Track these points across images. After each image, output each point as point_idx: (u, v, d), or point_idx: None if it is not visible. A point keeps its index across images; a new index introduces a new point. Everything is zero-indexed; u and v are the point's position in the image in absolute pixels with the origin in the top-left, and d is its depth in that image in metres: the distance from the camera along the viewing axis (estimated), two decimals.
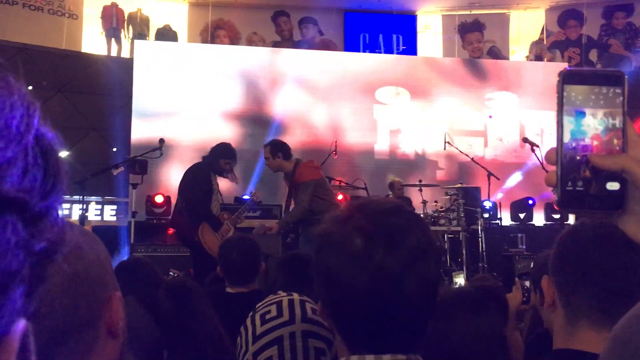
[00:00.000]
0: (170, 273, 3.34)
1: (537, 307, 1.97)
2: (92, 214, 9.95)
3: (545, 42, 12.55)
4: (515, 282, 2.26)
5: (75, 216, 9.75)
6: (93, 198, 9.58)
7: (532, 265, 2.18)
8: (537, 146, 5.68)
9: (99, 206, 10.10)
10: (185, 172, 5.33)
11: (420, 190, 7.65)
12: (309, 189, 5.00)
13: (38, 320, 0.70)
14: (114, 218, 10.15)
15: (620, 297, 1.12)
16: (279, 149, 5.22)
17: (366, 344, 0.94)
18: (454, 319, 1.44)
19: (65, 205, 9.52)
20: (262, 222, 5.62)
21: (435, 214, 7.15)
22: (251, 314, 1.51)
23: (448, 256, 6.82)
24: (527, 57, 12.59)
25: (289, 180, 5.26)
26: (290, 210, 5.23)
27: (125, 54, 11.42)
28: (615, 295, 1.12)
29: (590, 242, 1.16)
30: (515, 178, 10.82)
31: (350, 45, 12.18)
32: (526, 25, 12.56)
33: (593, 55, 12.41)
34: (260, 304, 1.51)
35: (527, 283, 2.23)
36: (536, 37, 12.73)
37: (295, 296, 1.51)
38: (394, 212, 0.97)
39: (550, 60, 12.26)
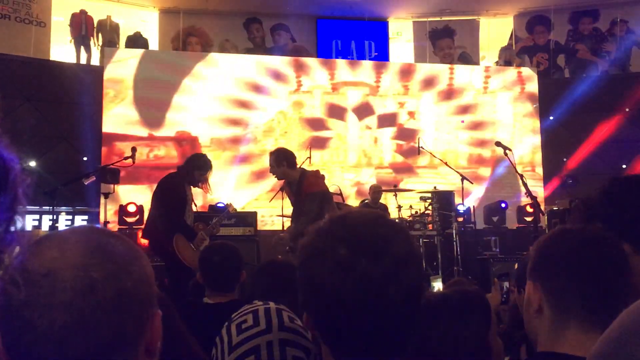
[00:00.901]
0: None
1: (519, 307, 1.99)
2: (63, 224, 9.76)
3: (514, 48, 12.75)
4: (494, 282, 2.28)
5: (45, 227, 9.57)
6: (63, 208, 9.40)
7: (516, 267, 2.20)
8: (510, 150, 5.75)
9: (70, 216, 9.92)
10: (159, 182, 5.27)
11: (395, 195, 7.68)
12: (316, 201, 4.98)
13: (82, 334, 0.70)
14: None
15: (608, 298, 1.15)
16: (283, 157, 5.20)
17: (352, 352, 0.95)
18: (437, 324, 1.44)
19: (35, 216, 9.39)
20: (277, 235, 5.55)
21: (411, 219, 7.18)
22: (227, 324, 1.48)
23: (424, 260, 6.84)
24: (497, 62, 12.77)
25: (293, 189, 5.23)
26: (299, 221, 5.12)
27: (95, 61, 11.26)
28: (603, 296, 1.15)
29: (578, 245, 1.19)
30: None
31: (323, 51, 12.20)
32: (495, 31, 12.75)
33: (561, 60, 12.64)
34: (235, 313, 1.48)
35: (506, 284, 2.24)
36: (505, 42, 12.92)
37: (272, 305, 1.48)
38: (376, 222, 0.99)
39: (520, 65, 12.45)
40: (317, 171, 5.58)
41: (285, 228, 6.45)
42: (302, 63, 10.85)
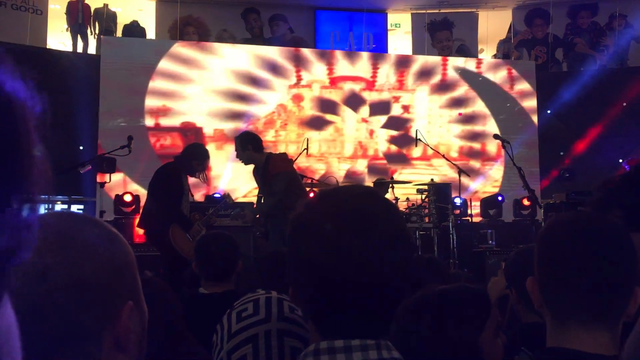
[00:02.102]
0: (146, 273, 3.28)
1: (513, 304, 1.97)
2: None
3: (512, 41, 12.73)
4: (501, 266, 2.26)
5: None
6: (59, 197, 9.38)
7: (502, 265, 2.19)
8: (508, 142, 5.74)
9: (65, 205, 9.90)
10: (156, 172, 5.24)
11: (392, 187, 7.67)
12: (283, 181, 4.96)
13: (32, 324, 0.64)
14: None
15: (606, 295, 1.10)
16: (248, 141, 5.14)
17: (335, 328, 0.94)
18: (418, 320, 1.42)
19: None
20: (244, 214, 5.55)
21: (407, 211, 7.18)
22: (228, 311, 1.48)
23: (420, 253, 6.84)
24: (495, 55, 12.75)
25: (259, 173, 5.19)
26: (265, 201, 5.13)
27: (91, 50, 11.19)
28: (600, 293, 1.10)
29: (566, 240, 1.13)
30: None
31: (321, 42, 12.16)
32: (494, 24, 12.72)
33: (559, 53, 12.63)
34: (237, 302, 1.48)
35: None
36: (504, 35, 12.90)
37: (274, 294, 1.48)
38: (366, 198, 0.98)
39: (518, 58, 12.43)
40: (284, 154, 5.55)
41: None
42: (301, 57, 10.81)
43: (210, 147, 9.90)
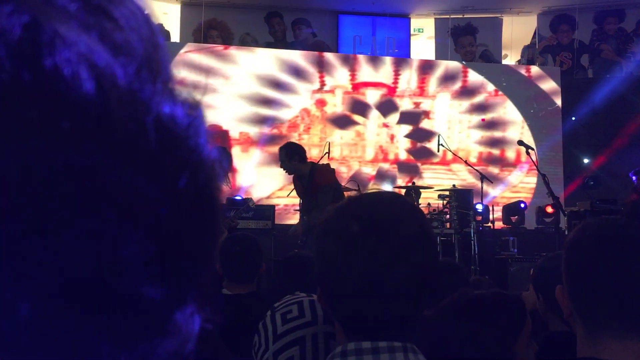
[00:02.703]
0: None
1: (540, 312, 1.95)
2: None
3: (537, 47, 12.61)
4: (530, 276, 2.23)
5: None
6: None
7: (532, 272, 2.16)
8: (532, 149, 5.68)
9: None
10: None
11: (413, 192, 7.64)
12: (329, 194, 5.00)
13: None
14: None
15: (638, 304, 1.08)
16: (295, 152, 5.20)
17: (362, 330, 0.96)
18: (465, 324, 1.41)
19: None
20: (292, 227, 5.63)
21: (428, 217, 7.15)
22: (270, 312, 1.48)
23: (440, 258, 6.80)
24: (519, 61, 12.65)
25: (303, 183, 5.23)
26: (313, 213, 5.13)
27: None
28: (632, 302, 1.08)
29: (594, 249, 1.11)
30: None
31: (344, 46, 12.18)
32: (518, 30, 12.62)
33: (584, 60, 12.48)
34: (278, 303, 1.48)
35: None
36: (528, 41, 12.79)
37: (315, 297, 1.49)
38: (391, 202, 1.01)
39: (542, 64, 12.32)
40: (328, 165, 5.60)
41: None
42: (325, 62, 10.87)
43: (236, 150, 10.15)
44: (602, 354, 1.07)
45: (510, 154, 11.07)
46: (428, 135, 10.82)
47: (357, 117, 10.84)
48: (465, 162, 7.94)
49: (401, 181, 10.38)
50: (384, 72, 11.07)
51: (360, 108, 10.86)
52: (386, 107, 10.96)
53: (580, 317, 1.12)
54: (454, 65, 11.57)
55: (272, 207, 7.76)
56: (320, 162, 5.57)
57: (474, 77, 11.33)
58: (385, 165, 10.81)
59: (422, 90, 11.07)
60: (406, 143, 10.93)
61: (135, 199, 0.25)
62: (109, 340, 0.26)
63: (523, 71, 11.75)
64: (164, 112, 0.28)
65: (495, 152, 11.15)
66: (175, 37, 11.85)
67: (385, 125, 10.92)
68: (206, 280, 0.30)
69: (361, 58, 11.17)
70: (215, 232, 0.31)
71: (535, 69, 11.88)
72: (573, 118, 11.37)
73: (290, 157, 5.12)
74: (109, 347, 0.26)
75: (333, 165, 9.78)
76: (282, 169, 5.32)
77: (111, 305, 0.25)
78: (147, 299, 0.26)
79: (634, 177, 6.94)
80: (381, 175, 10.71)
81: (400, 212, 0.97)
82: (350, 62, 11.03)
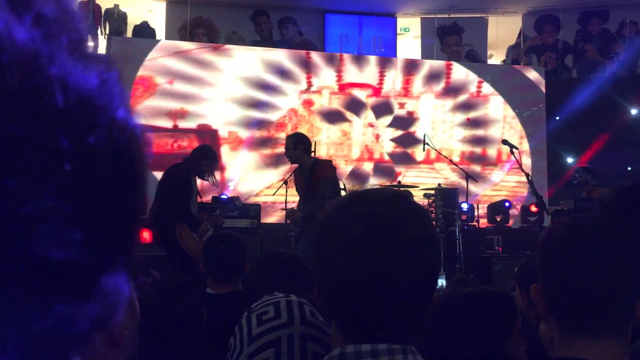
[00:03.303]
0: (153, 273, 3.29)
1: (523, 310, 1.96)
2: None
3: (522, 47, 12.70)
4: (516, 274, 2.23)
5: None
6: None
7: (516, 270, 2.17)
8: (516, 148, 5.71)
9: None
10: (166, 171, 5.28)
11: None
12: (330, 186, 5.03)
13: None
14: None
15: (615, 302, 1.06)
16: (301, 141, 5.23)
17: (361, 332, 0.93)
18: (458, 322, 1.40)
19: None
20: (290, 210, 5.61)
21: None
22: (246, 314, 1.46)
23: None
24: (504, 61, 12.73)
25: (304, 175, 5.24)
26: (313, 202, 5.08)
27: (101, 50, 11.25)
28: (604, 301, 1.05)
29: (565, 248, 1.08)
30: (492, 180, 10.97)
31: (330, 45, 12.18)
32: (504, 30, 12.70)
33: (569, 60, 12.59)
34: (255, 304, 1.46)
35: None
36: (513, 41, 12.87)
37: (294, 297, 1.46)
38: (395, 202, 0.96)
39: (527, 64, 12.40)
40: (330, 161, 5.62)
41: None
42: (312, 63, 10.90)
43: (225, 149, 10.15)
44: (577, 354, 1.05)
45: (497, 153, 11.15)
46: (412, 134, 10.91)
47: (343, 117, 10.88)
48: (450, 160, 7.97)
49: (386, 179, 10.46)
50: (370, 72, 11.11)
51: (346, 108, 10.91)
52: (371, 107, 11.01)
53: (554, 317, 1.10)
54: (439, 64, 11.62)
55: (257, 206, 7.75)
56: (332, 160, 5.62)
57: (457, 76, 11.39)
58: (371, 164, 10.88)
59: (406, 91, 11.14)
60: (391, 142, 10.99)
61: (36, 154, 0.24)
62: (23, 302, 0.25)
63: (508, 71, 11.83)
64: (72, 71, 0.27)
65: (479, 150, 11.23)
66: (160, 34, 11.77)
67: (371, 125, 10.98)
68: (136, 249, 0.30)
69: (347, 59, 11.19)
70: (138, 195, 0.32)
71: (520, 69, 11.97)
72: (557, 118, 11.47)
73: (296, 146, 5.15)
74: (23, 310, 0.25)
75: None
76: (286, 158, 5.33)
77: (22, 267, 0.25)
78: (63, 260, 0.25)
79: (579, 174, 7.07)
80: (365, 174, 10.76)
81: (405, 212, 0.95)
82: (336, 63, 11.05)
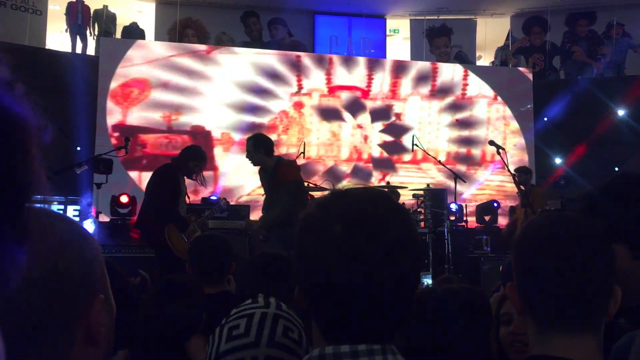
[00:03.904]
0: (141, 273, 3.29)
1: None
2: None
3: (510, 48, 12.78)
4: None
5: None
6: (55, 198, 9.36)
7: (501, 269, 2.19)
8: (503, 149, 5.75)
9: (61, 206, 9.88)
10: (154, 172, 5.25)
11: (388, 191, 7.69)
12: (291, 190, 4.93)
13: (6, 318, 0.65)
14: (77, 218, 9.95)
15: (587, 299, 1.06)
16: (261, 144, 5.10)
17: (341, 332, 0.93)
18: (446, 319, 1.42)
19: None
20: (248, 222, 5.57)
21: None
22: (223, 322, 1.44)
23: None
24: (493, 62, 12.80)
25: (267, 177, 5.18)
26: (272, 210, 5.08)
27: (90, 51, 11.21)
28: (580, 298, 1.06)
29: (539, 244, 1.08)
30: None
31: (320, 46, 12.20)
32: (492, 31, 12.78)
33: (556, 61, 12.68)
34: (235, 311, 1.44)
35: None
36: (502, 42, 12.95)
37: (271, 309, 1.41)
38: (376, 202, 0.95)
39: (515, 65, 12.48)
40: (294, 161, 5.53)
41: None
42: (302, 66, 10.94)
43: (218, 150, 10.18)
44: (552, 351, 1.05)
45: (486, 154, 11.22)
46: (400, 135, 11.02)
47: (332, 119, 10.94)
48: (439, 161, 8.00)
49: (374, 179, 10.54)
50: (359, 74, 11.17)
51: (336, 110, 10.98)
52: (360, 109, 11.10)
53: (530, 314, 1.09)
54: (427, 66, 11.67)
55: (246, 207, 7.75)
56: (281, 157, 5.48)
57: (444, 78, 11.45)
58: (359, 164, 10.97)
59: (394, 93, 11.22)
60: (379, 143, 11.07)
61: None
62: None
63: (496, 72, 11.90)
64: None
65: (464, 151, 11.30)
66: (150, 35, 11.75)
67: (359, 127, 11.05)
68: (24, 220, 0.33)
69: (337, 61, 11.22)
70: (18, 163, 0.35)
71: (508, 70, 12.05)
72: (545, 118, 11.55)
73: (256, 148, 5.03)
74: None
75: (310, 164, 9.95)
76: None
77: None
78: None
79: (518, 175, 7.23)
80: (353, 174, 10.84)
81: (385, 212, 0.94)
82: (326, 66, 11.09)
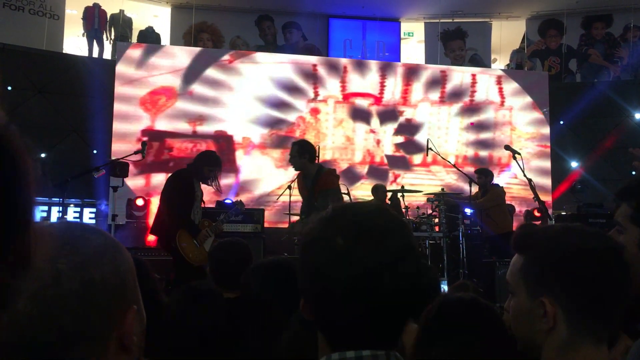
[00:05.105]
0: (154, 275, 3.32)
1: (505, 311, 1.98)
2: (71, 217, 9.83)
3: (525, 51, 12.71)
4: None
5: (54, 218, 9.64)
6: (72, 200, 9.47)
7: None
8: (519, 154, 5.72)
9: (78, 208, 9.99)
10: (168, 178, 5.28)
11: (403, 196, 7.68)
12: (333, 198, 5.01)
13: (46, 326, 0.70)
14: (93, 221, 10.05)
15: (616, 309, 1.15)
16: (306, 149, 5.18)
17: (347, 340, 0.97)
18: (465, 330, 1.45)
19: (43, 207, 9.44)
20: (292, 227, 5.61)
21: (417, 220, 7.18)
22: None
23: (429, 262, 6.84)
24: (508, 65, 12.74)
25: (308, 183, 5.23)
26: (311, 215, 5.09)
27: (107, 55, 11.32)
28: (610, 307, 1.14)
29: (601, 265, 1.14)
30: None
31: (334, 50, 12.21)
32: (507, 34, 12.72)
33: (573, 64, 12.59)
34: None
35: None
36: (517, 45, 12.89)
37: None
38: (376, 214, 1.01)
39: (531, 68, 12.41)
40: (335, 170, 5.61)
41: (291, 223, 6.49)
42: (318, 75, 11.06)
43: (239, 153, 10.27)
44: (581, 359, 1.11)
45: (496, 157, 11.16)
46: (412, 139, 11.07)
47: (346, 124, 11.02)
48: (454, 165, 7.97)
49: (384, 182, 10.59)
50: (372, 80, 11.21)
51: (350, 115, 11.08)
52: (373, 114, 11.15)
53: (568, 326, 1.13)
54: (439, 69, 11.63)
55: (261, 211, 7.77)
56: (322, 165, 5.57)
57: (457, 82, 11.41)
58: (372, 167, 11.08)
59: (405, 100, 11.27)
60: (390, 147, 11.11)
61: None
62: None
63: (512, 75, 11.83)
64: None
65: (484, 154, 11.24)
66: (165, 40, 11.84)
67: (372, 131, 11.11)
68: (21, 245, 0.34)
69: (350, 69, 11.25)
70: (12, 189, 0.38)
71: (524, 73, 11.97)
72: (561, 122, 11.46)
73: (301, 154, 5.11)
74: None
75: (325, 166, 10.02)
76: (291, 165, 5.28)
77: None
78: None
79: (478, 176, 7.26)
80: (366, 176, 10.92)
81: (385, 223, 0.98)
82: (340, 74, 11.14)
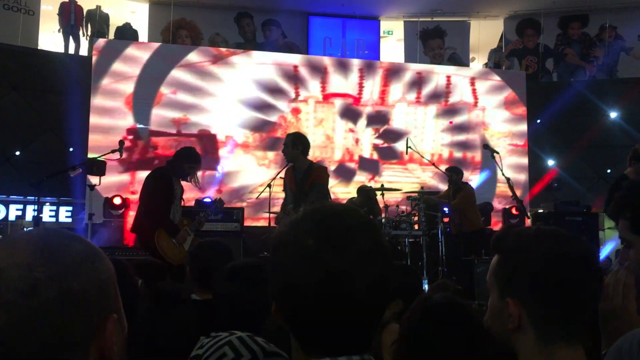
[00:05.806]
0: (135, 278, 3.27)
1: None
2: (47, 215, 9.69)
3: (503, 50, 12.82)
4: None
5: (29, 217, 9.49)
6: (48, 199, 9.33)
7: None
8: (497, 153, 5.77)
9: (54, 207, 9.86)
10: (147, 177, 5.20)
11: (382, 195, 7.69)
12: (323, 191, 5.05)
13: (23, 336, 0.68)
14: (70, 219, 9.92)
15: (588, 311, 1.15)
16: (301, 142, 5.23)
17: (320, 345, 0.95)
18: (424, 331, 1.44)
19: (18, 206, 9.27)
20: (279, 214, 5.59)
21: (397, 218, 7.19)
22: None
23: (409, 260, 6.86)
24: (486, 64, 12.85)
25: (297, 177, 5.25)
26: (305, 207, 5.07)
27: (83, 52, 11.16)
28: (581, 308, 1.15)
29: (569, 271, 1.14)
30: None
31: (314, 48, 12.20)
32: (486, 33, 12.82)
33: (549, 64, 12.74)
34: (206, 349, 1.25)
35: None
36: (495, 44, 13.00)
37: (241, 333, 1.29)
38: (346, 215, 0.99)
39: (508, 67, 12.53)
40: (327, 168, 5.63)
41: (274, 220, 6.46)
42: (300, 77, 11.06)
43: (223, 152, 10.20)
44: None
45: (474, 156, 11.26)
46: (389, 138, 11.13)
47: (326, 123, 11.03)
48: (433, 164, 8.00)
49: (364, 178, 10.65)
50: (351, 82, 11.25)
51: (330, 115, 11.07)
52: (352, 114, 11.17)
53: (536, 329, 1.13)
54: (418, 68, 11.69)
55: (241, 210, 7.73)
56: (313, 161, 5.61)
57: (435, 81, 11.47)
58: (351, 165, 11.11)
59: (382, 100, 11.31)
60: (368, 145, 11.15)
61: None
62: None
63: (490, 74, 11.93)
64: None
65: (458, 155, 11.31)
66: (143, 36, 11.71)
67: (351, 130, 11.14)
68: None
69: (331, 69, 11.24)
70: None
71: (501, 72, 12.08)
72: (538, 121, 11.59)
73: (295, 144, 5.17)
74: None
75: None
76: (283, 155, 5.34)
77: None
78: None
79: (449, 174, 7.37)
80: (346, 173, 10.96)
81: (355, 225, 0.97)
82: (321, 75, 11.13)
